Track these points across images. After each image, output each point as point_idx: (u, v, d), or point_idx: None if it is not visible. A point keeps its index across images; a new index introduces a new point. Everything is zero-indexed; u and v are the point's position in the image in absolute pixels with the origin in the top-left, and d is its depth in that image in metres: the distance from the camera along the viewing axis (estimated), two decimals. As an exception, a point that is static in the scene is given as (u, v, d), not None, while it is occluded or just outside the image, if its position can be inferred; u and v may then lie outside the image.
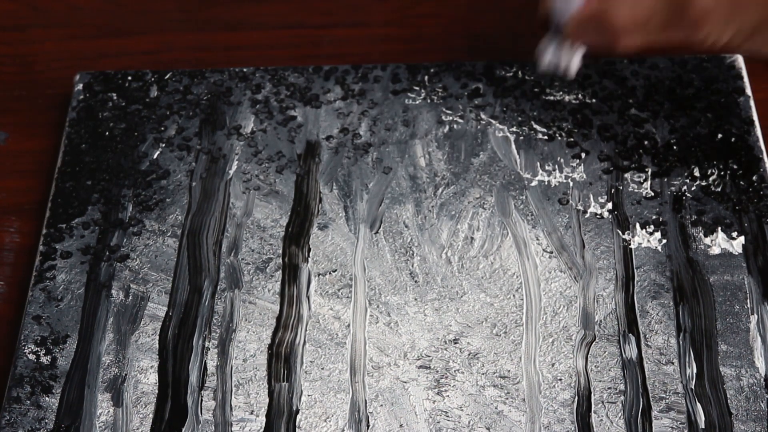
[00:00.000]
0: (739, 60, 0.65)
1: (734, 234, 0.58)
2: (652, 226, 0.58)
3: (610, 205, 0.59)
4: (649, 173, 0.60)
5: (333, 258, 0.58)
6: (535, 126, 0.62)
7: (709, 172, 0.60)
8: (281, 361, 0.54)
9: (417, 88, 0.64)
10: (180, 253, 0.58)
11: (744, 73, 0.64)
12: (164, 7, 0.72)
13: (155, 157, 0.62)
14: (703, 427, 0.52)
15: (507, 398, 0.53)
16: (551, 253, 0.57)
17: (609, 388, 0.53)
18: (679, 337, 0.54)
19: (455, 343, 0.55)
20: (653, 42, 0.55)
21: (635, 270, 0.57)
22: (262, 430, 0.52)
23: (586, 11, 0.56)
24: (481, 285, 0.56)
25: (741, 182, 0.59)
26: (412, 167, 0.61)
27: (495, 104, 0.63)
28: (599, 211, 0.59)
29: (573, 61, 0.58)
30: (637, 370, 0.53)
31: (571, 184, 0.60)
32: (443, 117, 0.63)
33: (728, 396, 0.52)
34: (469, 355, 0.54)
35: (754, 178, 0.60)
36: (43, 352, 0.55)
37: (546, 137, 0.62)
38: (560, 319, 0.55)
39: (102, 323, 0.56)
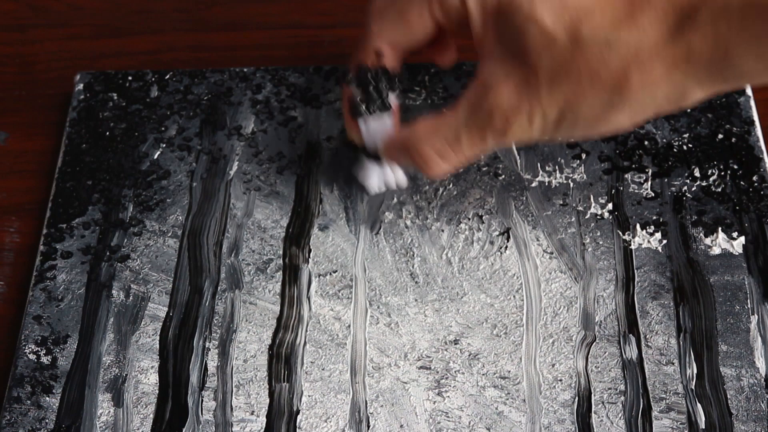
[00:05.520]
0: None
1: (734, 234, 0.58)
2: (652, 227, 0.58)
3: (610, 206, 0.59)
4: (650, 174, 0.60)
5: (333, 259, 0.58)
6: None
7: (710, 172, 0.60)
8: (282, 361, 0.54)
9: (417, 89, 0.64)
10: (180, 254, 0.58)
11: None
12: (164, 7, 0.72)
13: (156, 157, 0.62)
14: (704, 427, 0.52)
15: (507, 399, 0.53)
16: (551, 253, 0.57)
17: (609, 388, 0.53)
18: (679, 338, 0.54)
19: (455, 344, 0.55)
20: (467, 162, 0.52)
21: (635, 270, 0.57)
22: (263, 430, 0.52)
23: (395, 139, 0.53)
24: (482, 286, 0.56)
25: (741, 182, 0.59)
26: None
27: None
28: (599, 212, 0.59)
29: (398, 176, 0.57)
30: (638, 370, 0.53)
31: (572, 184, 0.60)
32: (444, 117, 0.63)
33: (728, 396, 0.53)
34: (469, 355, 0.54)
35: (755, 178, 0.60)
36: (44, 352, 0.55)
37: (546, 137, 0.62)
38: (560, 319, 0.55)
39: (102, 323, 0.56)
